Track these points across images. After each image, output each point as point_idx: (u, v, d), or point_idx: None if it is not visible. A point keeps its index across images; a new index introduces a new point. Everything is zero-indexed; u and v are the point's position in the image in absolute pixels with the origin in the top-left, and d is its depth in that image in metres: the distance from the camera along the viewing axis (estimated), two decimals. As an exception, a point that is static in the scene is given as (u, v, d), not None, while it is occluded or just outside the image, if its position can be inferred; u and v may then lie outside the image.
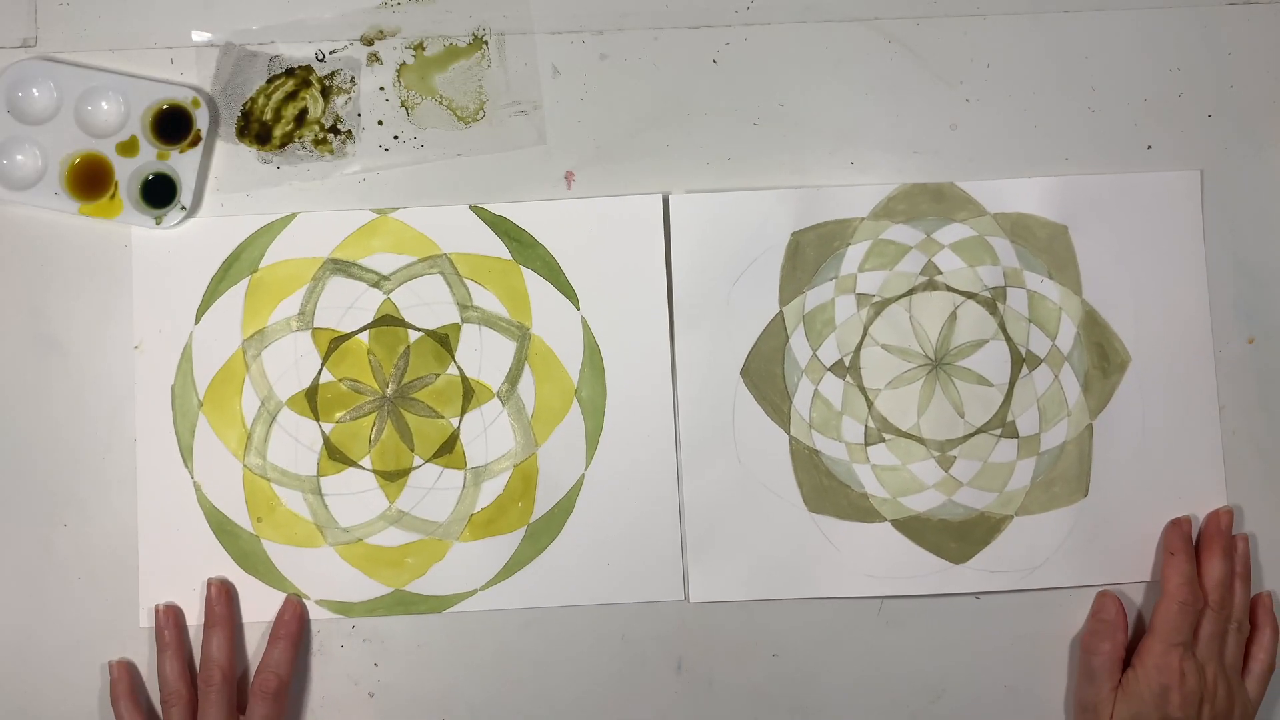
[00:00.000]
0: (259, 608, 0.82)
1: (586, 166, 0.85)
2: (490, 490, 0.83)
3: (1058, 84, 0.86)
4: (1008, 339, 0.84)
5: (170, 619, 0.81)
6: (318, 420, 0.83)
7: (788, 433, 0.84)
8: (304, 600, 0.82)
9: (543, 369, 0.84)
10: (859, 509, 0.83)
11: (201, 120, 0.83)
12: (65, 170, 0.83)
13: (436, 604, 0.83)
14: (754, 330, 0.84)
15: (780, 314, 0.84)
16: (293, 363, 0.84)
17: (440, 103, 0.85)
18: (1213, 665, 0.80)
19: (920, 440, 0.84)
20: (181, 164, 0.83)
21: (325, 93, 0.85)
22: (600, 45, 0.86)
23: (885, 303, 0.85)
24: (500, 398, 0.84)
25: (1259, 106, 0.86)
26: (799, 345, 0.84)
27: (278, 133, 0.85)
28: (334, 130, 0.85)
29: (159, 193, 0.83)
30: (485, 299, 0.84)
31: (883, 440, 0.84)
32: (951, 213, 0.85)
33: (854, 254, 0.85)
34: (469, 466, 0.83)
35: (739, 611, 0.83)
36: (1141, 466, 0.84)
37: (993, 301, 0.85)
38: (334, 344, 0.84)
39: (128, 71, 0.84)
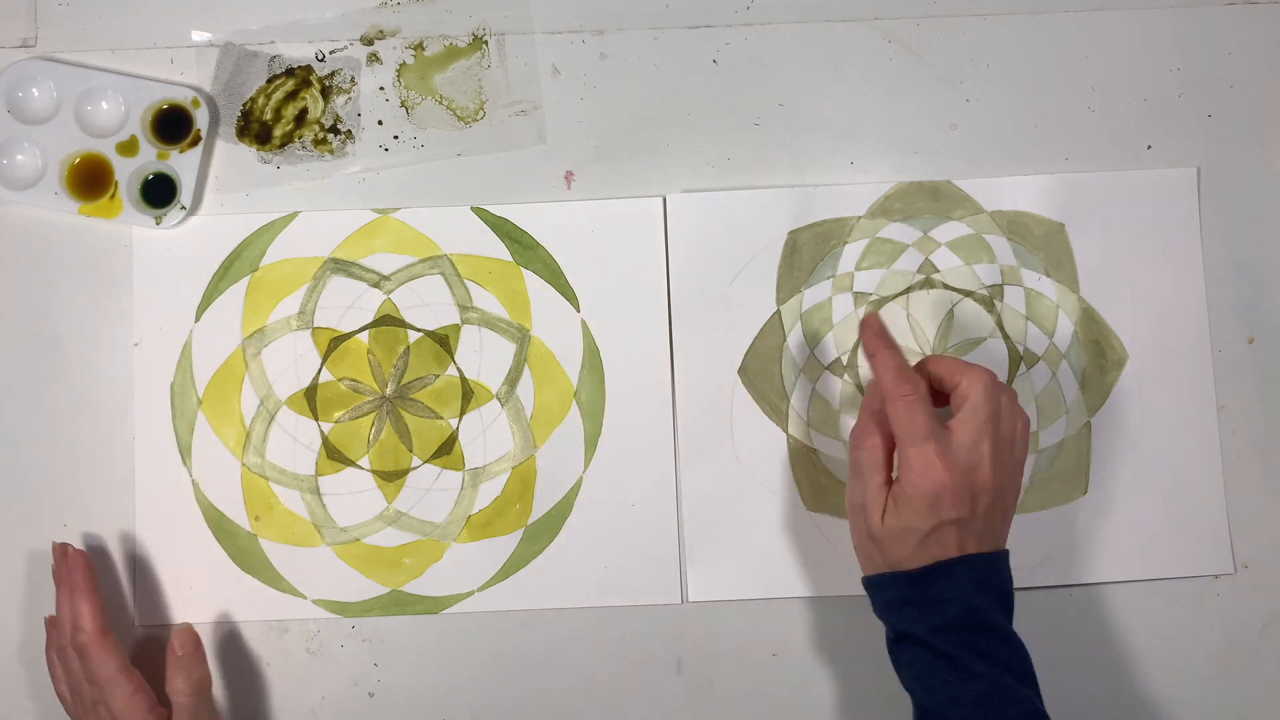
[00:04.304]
0: (257, 607, 0.82)
1: (586, 166, 0.85)
2: (488, 492, 0.83)
3: (1057, 84, 0.86)
4: (1005, 337, 0.84)
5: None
6: (317, 420, 0.83)
7: (786, 431, 0.84)
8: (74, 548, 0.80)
9: (542, 371, 0.84)
10: (857, 508, 0.83)
11: (201, 120, 0.83)
12: (65, 170, 0.83)
13: (433, 605, 0.82)
14: (751, 329, 0.84)
15: (778, 313, 0.84)
16: (292, 362, 0.84)
17: (440, 103, 0.85)
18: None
19: (918, 439, 0.84)
20: (181, 164, 0.83)
21: (325, 93, 0.85)
22: (600, 45, 0.86)
23: (882, 301, 0.84)
24: (499, 399, 0.84)
25: (1259, 106, 0.86)
26: (796, 344, 0.84)
27: (278, 133, 0.85)
28: (334, 130, 0.85)
29: (159, 192, 0.83)
30: (485, 300, 0.84)
31: (881, 439, 0.84)
32: (948, 211, 0.85)
33: (851, 252, 0.84)
34: (467, 468, 0.83)
35: (738, 611, 0.83)
36: (1141, 464, 0.84)
37: (990, 299, 0.84)
38: (334, 343, 0.84)
39: (128, 71, 0.84)
